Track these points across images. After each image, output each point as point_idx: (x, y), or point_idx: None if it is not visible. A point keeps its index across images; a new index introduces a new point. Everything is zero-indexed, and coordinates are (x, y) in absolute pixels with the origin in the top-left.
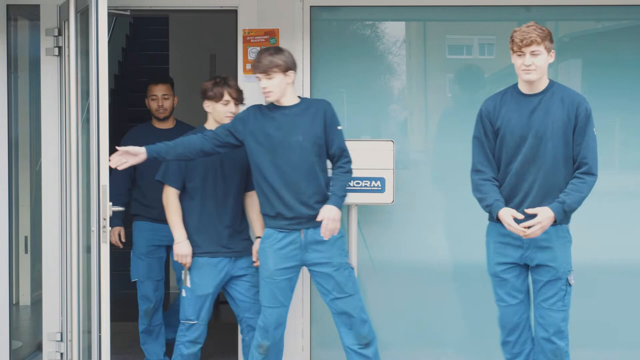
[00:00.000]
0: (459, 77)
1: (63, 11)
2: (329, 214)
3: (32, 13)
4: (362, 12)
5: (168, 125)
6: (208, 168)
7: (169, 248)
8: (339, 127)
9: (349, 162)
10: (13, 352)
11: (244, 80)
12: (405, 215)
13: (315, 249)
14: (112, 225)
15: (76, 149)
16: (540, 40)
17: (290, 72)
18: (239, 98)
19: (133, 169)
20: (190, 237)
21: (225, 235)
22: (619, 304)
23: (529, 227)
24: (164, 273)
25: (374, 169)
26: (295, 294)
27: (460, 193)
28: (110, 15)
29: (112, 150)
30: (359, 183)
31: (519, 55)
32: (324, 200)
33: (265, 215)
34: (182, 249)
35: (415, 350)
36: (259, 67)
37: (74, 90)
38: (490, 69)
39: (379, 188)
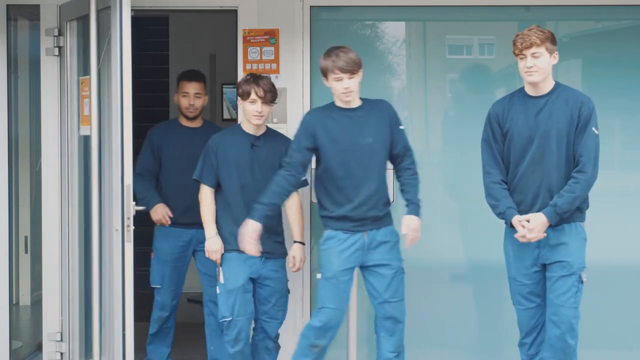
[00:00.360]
0: (459, 77)
1: (64, 11)
2: (412, 225)
3: (32, 13)
4: (362, 12)
5: (196, 124)
6: (239, 167)
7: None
8: (401, 127)
9: (414, 162)
10: (13, 352)
11: None
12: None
13: (377, 249)
14: (152, 204)
15: (97, 150)
16: (540, 42)
17: (361, 71)
18: (266, 97)
19: (158, 170)
20: (221, 234)
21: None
22: (618, 304)
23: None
24: (183, 280)
25: None
26: (294, 293)
27: (460, 192)
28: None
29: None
30: None
31: (521, 58)
32: (389, 202)
33: (327, 217)
34: (211, 244)
35: (415, 350)
36: (343, 67)
37: (94, 90)
38: (490, 69)
39: None
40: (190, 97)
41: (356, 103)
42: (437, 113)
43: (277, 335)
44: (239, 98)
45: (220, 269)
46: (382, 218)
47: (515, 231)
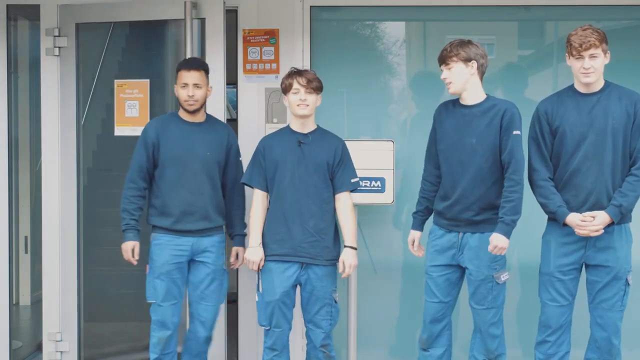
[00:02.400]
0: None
1: (72, 13)
2: (494, 242)
3: (32, 13)
4: (362, 12)
5: (198, 118)
6: (285, 165)
7: (189, 263)
8: (515, 132)
9: (518, 171)
10: (13, 352)
11: (244, 81)
12: (405, 215)
13: (469, 253)
14: (127, 239)
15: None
16: (599, 43)
17: (473, 63)
18: (309, 85)
19: (153, 167)
20: (267, 239)
21: (298, 237)
22: None
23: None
24: (183, 293)
25: (374, 169)
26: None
27: None
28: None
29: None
30: None
31: (577, 58)
32: (491, 208)
33: (434, 210)
34: (250, 254)
35: (415, 351)
36: (439, 58)
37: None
38: (490, 69)
39: (379, 188)
40: (189, 88)
41: (475, 100)
42: None
43: (327, 345)
44: (282, 95)
45: (259, 277)
46: (478, 223)
47: (561, 228)
